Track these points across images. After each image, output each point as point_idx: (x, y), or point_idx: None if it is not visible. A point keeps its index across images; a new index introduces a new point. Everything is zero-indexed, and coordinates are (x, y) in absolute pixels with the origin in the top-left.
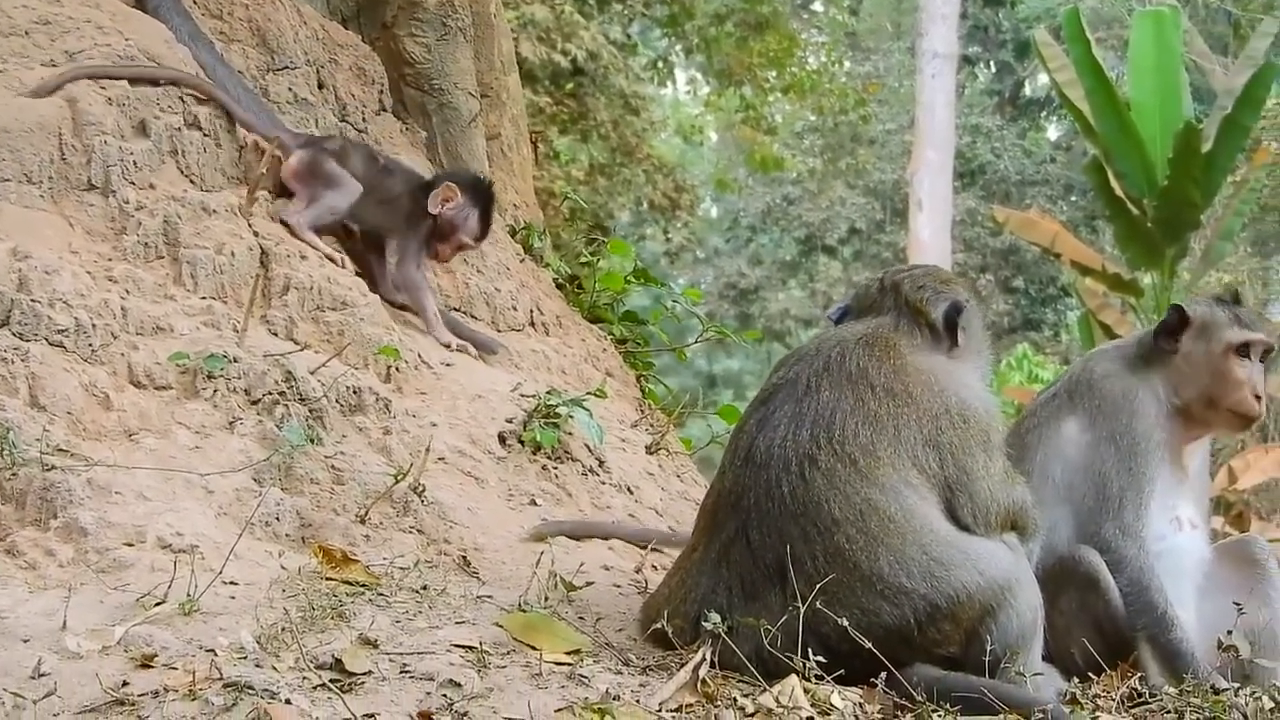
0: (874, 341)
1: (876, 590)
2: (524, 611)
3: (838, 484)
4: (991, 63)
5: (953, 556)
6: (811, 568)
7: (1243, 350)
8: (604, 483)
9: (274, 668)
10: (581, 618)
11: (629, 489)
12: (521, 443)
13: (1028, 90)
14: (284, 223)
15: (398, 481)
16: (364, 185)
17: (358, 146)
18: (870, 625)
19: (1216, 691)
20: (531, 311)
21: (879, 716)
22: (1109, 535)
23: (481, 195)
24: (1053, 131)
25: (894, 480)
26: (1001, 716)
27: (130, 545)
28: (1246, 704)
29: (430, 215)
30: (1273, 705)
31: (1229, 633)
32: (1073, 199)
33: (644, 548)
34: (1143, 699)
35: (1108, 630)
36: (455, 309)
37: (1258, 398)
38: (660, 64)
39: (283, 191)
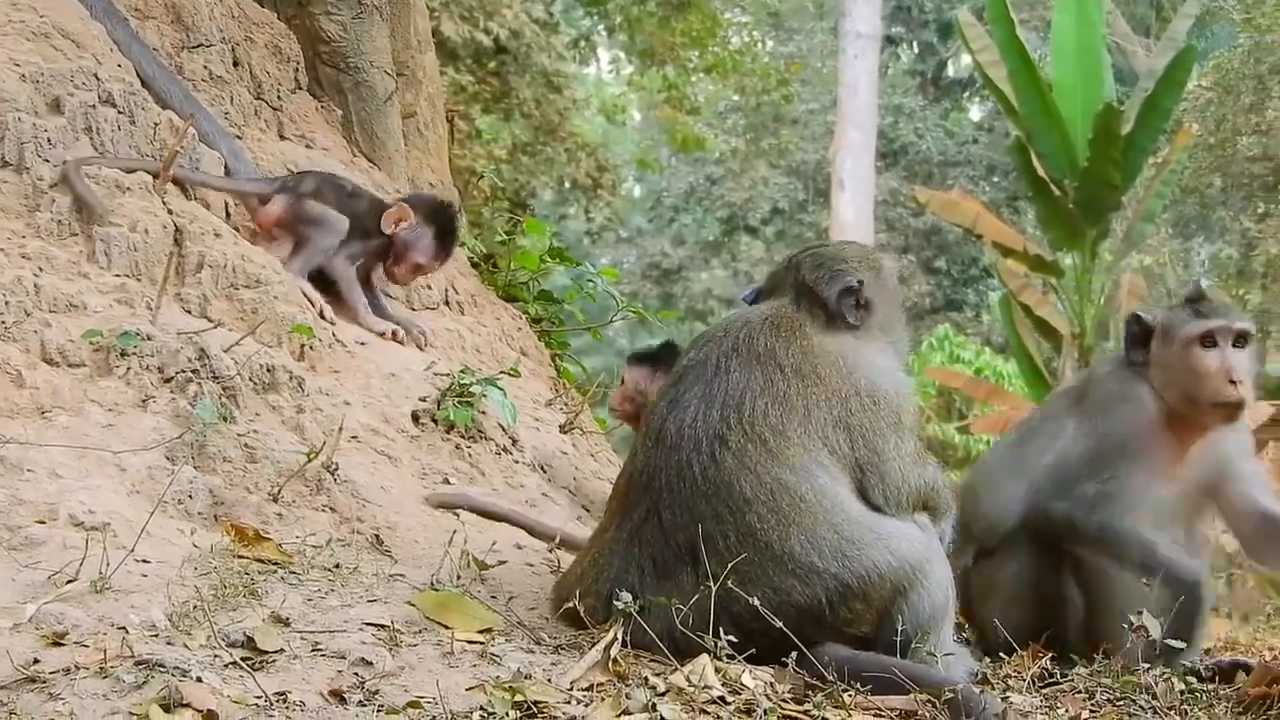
0: (779, 322)
1: (788, 569)
2: (436, 590)
3: (748, 464)
4: (914, 43)
5: (864, 536)
6: (723, 547)
7: (1207, 341)
8: (517, 462)
9: (186, 646)
10: (494, 596)
11: (542, 468)
12: (435, 421)
13: (950, 71)
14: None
15: (310, 460)
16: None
17: (326, 179)
18: (782, 604)
19: (1130, 672)
20: (446, 290)
21: (790, 696)
22: (1058, 507)
23: (438, 217)
24: (975, 112)
25: (805, 460)
26: (912, 696)
27: (42, 523)
28: (1157, 684)
29: (385, 234)
30: (1183, 687)
31: (1139, 613)
32: (995, 180)
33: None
34: (1054, 679)
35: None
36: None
37: (1233, 383)
38: (583, 43)
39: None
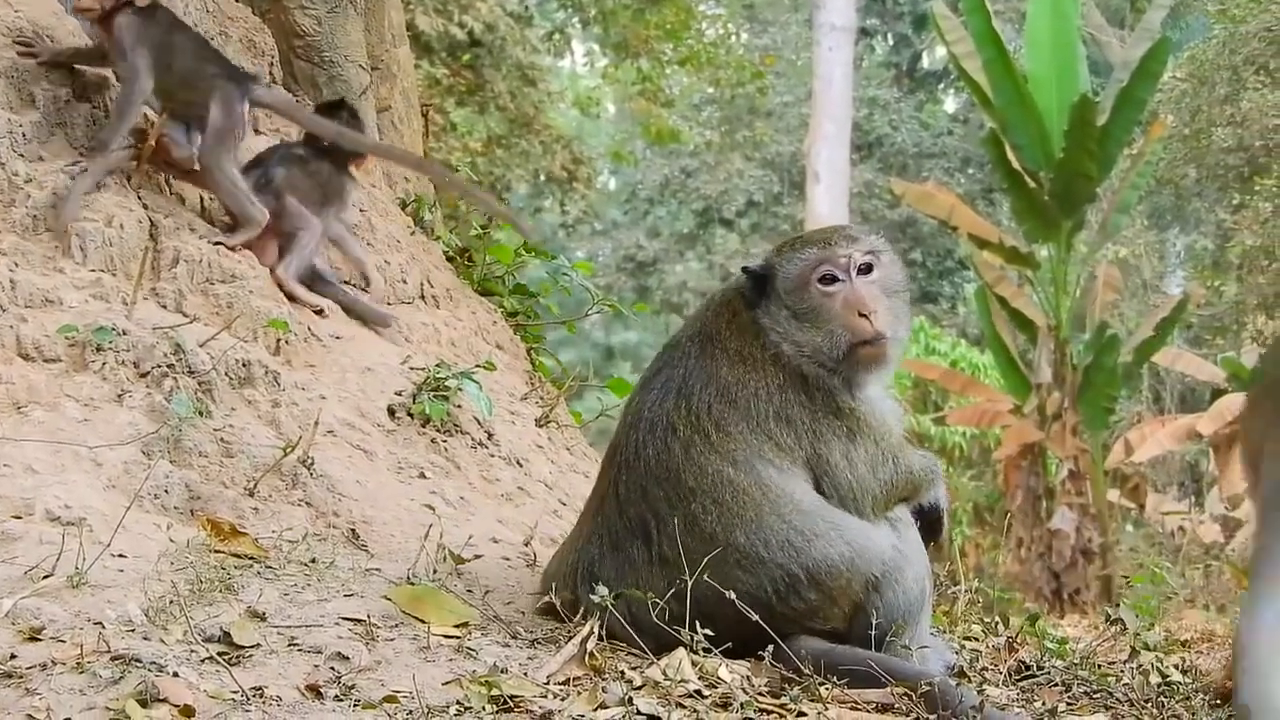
0: (727, 302)
1: (732, 560)
2: (412, 584)
3: (693, 455)
4: (889, 35)
5: (815, 527)
6: (671, 531)
7: None
8: (493, 455)
9: (162, 640)
10: (470, 590)
11: (518, 462)
12: (410, 415)
13: (925, 63)
14: (276, 279)
15: (286, 454)
16: (307, 186)
17: (286, 161)
18: (750, 600)
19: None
20: (422, 284)
21: (766, 689)
22: None
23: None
24: (950, 104)
25: (747, 455)
26: (888, 689)
27: (18, 518)
28: (1134, 679)
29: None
30: (1160, 680)
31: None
32: (970, 172)
33: None
34: (1030, 672)
35: None
36: (346, 281)
37: None
38: (557, 36)
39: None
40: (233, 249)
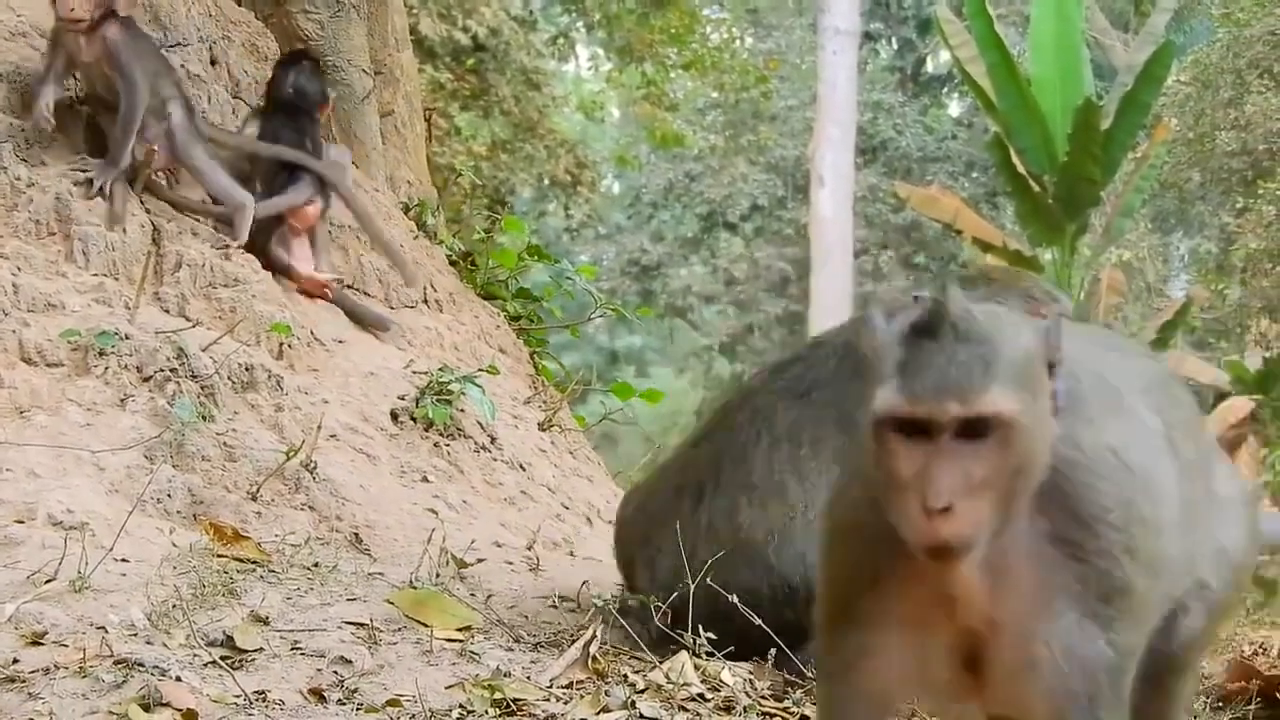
0: None
1: (743, 555)
2: (415, 588)
3: (773, 458)
4: (893, 39)
5: None
6: (718, 503)
7: None
8: (496, 459)
9: (165, 645)
10: (473, 594)
11: (521, 466)
12: (413, 420)
13: (929, 67)
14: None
15: (289, 458)
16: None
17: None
18: (726, 583)
19: None
20: (424, 289)
21: (769, 693)
22: None
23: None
24: (954, 108)
25: (818, 477)
26: None
27: (21, 522)
28: None
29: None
30: None
31: None
32: (974, 175)
33: None
34: None
35: None
36: (348, 286)
37: None
38: (561, 40)
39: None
40: (237, 248)
